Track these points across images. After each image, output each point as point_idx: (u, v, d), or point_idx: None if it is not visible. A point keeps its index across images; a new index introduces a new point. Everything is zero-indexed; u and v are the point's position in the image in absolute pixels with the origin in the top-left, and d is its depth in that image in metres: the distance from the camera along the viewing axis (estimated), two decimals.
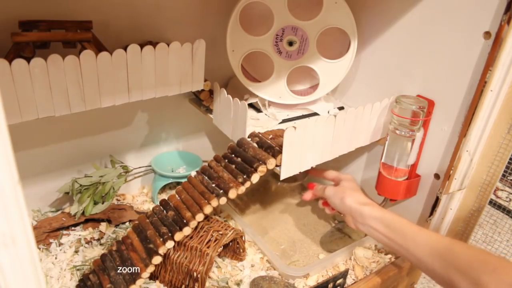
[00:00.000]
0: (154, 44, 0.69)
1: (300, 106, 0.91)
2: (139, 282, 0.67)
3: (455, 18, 0.69)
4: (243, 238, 0.80)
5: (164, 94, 0.74)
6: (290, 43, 0.82)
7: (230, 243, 0.81)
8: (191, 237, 0.71)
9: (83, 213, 0.84)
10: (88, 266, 0.77)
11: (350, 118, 0.74)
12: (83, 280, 0.71)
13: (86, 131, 0.86)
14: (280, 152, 0.67)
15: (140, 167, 0.97)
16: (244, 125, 0.75)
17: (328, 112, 0.91)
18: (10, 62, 0.56)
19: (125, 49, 0.66)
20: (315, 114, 0.91)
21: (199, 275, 0.69)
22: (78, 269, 0.77)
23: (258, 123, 0.85)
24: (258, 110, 0.89)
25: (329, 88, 0.88)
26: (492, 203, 0.79)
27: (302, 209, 1.00)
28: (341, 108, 0.93)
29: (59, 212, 0.88)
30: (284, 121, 0.87)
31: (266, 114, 0.88)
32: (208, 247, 0.70)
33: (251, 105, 0.89)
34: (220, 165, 0.74)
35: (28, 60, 0.58)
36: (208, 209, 0.69)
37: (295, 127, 0.65)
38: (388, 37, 0.83)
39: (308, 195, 0.83)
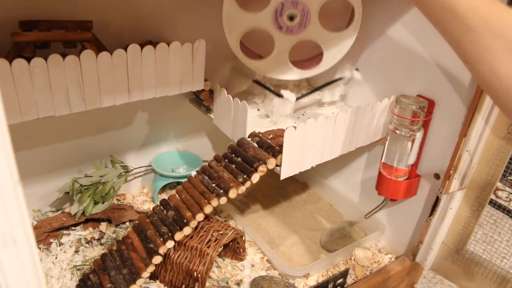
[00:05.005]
0: (154, 44, 0.69)
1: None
2: (139, 282, 0.67)
3: None
4: (243, 238, 0.80)
5: (164, 94, 0.74)
6: (291, 18, 0.77)
7: (230, 243, 0.81)
8: (191, 237, 0.71)
9: (83, 213, 0.84)
10: (89, 266, 0.77)
11: (350, 118, 0.74)
12: (83, 280, 0.72)
13: (86, 131, 0.86)
14: (280, 152, 0.67)
15: (140, 167, 0.97)
16: (244, 125, 0.75)
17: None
18: (10, 62, 0.57)
19: (125, 49, 0.66)
20: (336, 80, 0.89)
21: (199, 275, 0.69)
22: (78, 269, 0.77)
23: (275, 110, 0.84)
24: (265, 87, 0.86)
25: (334, 61, 0.84)
26: (492, 203, 0.79)
27: (303, 209, 1.00)
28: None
29: (59, 212, 0.88)
30: (298, 98, 0.84)
31: (279, 95, 0.85)
32: (208, 247, 0.70)
33: (258, 82, 0.87)
34: (220, 165, 0.74)
35: (29, 60, 0.58)
36: (208, 209, 0.69)
37: (295, 127, 0.65)
38: (389, 37, 0.83)
39: None
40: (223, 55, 0.82)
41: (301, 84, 0.99)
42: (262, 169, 0.68)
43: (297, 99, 0.85)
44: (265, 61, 0.82)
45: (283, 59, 0.82)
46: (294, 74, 0.84)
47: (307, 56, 0.91)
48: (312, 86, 0.96)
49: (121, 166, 0.90)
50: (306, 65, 0.87)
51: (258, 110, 0.89)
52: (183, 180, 0.78)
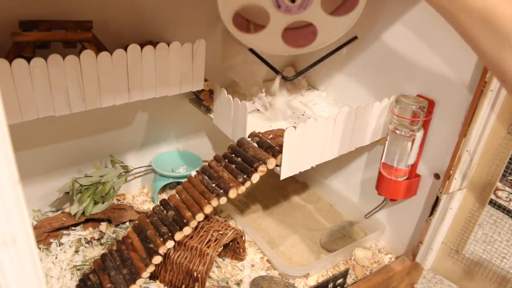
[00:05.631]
0: (154, 44, 0.69)
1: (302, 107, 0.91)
2: (139, 282, 0.67)
3: None
4: (243, 238, 0.80)
5: (164, 94, 0.74)
6: (293, 0, 0.73)
7: (230, 243, 0.81)
8: (191, 237, 0.71)
9: (83, 213, 0.84)
10: (88, 266, 0.77)
11: (350, 118, 0.74)
12: (83, 280, 0.72)
13: (86, 131, 0.86)
14: (280, 152, 0.67)
15: (140, 167, 0.97)
16: (244, 125, 0.75)
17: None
18: (10, 62, 0.56)
19: (125, 49, 0.66)
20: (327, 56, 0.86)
21: (199, 275, 0.69)
22: (78, 269, 0.77)
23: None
24: (261, 58, 0.85)
25: (326, 43, 0.80)
26: (492, 203, 0.79)
27: (303, 209, 1.00)
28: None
29: (59, 212, 0.88)
30: (291, 79, 0.84)
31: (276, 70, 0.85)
32: (208, 247, 0.70)
33: (253, 52, 0.85)
34: (220, 165, 0.74)
35: (29, 60, 0.58)
36: (208, 209, 0.69)
37: (295, 127, 0.66)
38: (388, 37, 0.83)
39: None
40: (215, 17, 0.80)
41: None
42: (262, 169, 0.68)
43: (291, 79, 0.84)
44: (256, 36, 0.78)
45: (275, 36, 0.78)
46: (284, 51, 0.81)
47: (295, 25, 0.84)
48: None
49: (121, 166, 0.90)
50: (295, 38, 0.82)
51: (258, 110, 0.89)
52: (183, 180, 0.78)
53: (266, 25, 0.76)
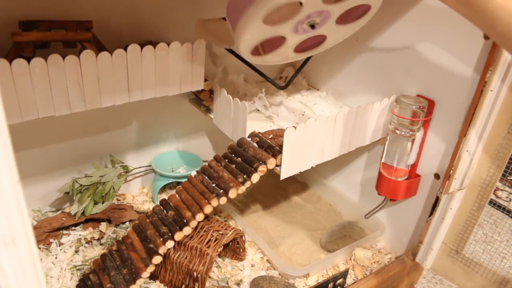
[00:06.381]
0: (154, 44, 0.69)
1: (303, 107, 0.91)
2: (139, 282, 0.67)
3: (456, 18, 0.69)
4: (243, 238, 0.80)
5: (164, 94, 0.74)
6: (312, 26, 0.70)
7: (230, 243, 0.81)
8: (191, 237, 0.71)
9: (83, 213, 0.84)
10: (88, 266, 0.77)
11: (350, 118, 0.74)
12: (83, 280, 0.72)
13: (86, 131, 0.86)
14: (280, 152, 0.67)
15: (140, 167, 0.97)
16: (244, 125, 0.75)
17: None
18: (10, 62, 0.57)
19: (125, 49, 0.66)
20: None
21: (199, 275, 0.69)
22: (78, 269, 0.77)
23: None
24: (243, 60, 0.81)
25: (331, 45, 0.79)
26: (492, 203, 0.79)
27: (303, 209, 1.00)
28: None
29: (59, 212, 0.88)
30: (285, 86, 0.85)
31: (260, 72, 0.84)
32: (208, 247, 0.70)
33: (232, 52, 0.82)
34: (220, 165, 0.74)
35: (28, 60, 0.58)
36: (208, 209, 0.69)
37: (295, 127, 0.65)
38: (388, 37, 0.83)
39: None
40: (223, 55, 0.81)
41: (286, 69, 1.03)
42: (262, 169, 0.68)
43: (284, 87, 0.84)
44: (270, 55, 0.75)
45: (288, 51, 0.76)
46: (293, 57, 0.78)
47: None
48: None
49: (121, 166, 0.90)
50: (303, 44, 0.78)
51: (258, 110, 0.89)
52: (183, 180, 0.78)
53: (280, 45, 0.74)
